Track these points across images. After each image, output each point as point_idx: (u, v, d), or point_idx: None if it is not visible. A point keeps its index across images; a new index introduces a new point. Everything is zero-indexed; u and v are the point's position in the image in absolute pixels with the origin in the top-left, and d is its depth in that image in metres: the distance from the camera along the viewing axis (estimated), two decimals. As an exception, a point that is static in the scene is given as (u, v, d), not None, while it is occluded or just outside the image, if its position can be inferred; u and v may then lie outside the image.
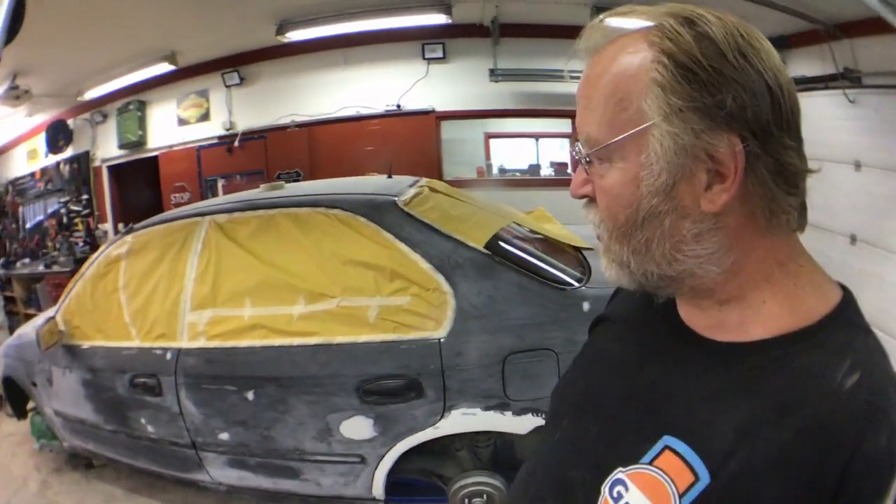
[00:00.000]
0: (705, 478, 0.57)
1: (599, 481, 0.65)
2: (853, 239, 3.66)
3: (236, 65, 5.64)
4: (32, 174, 7.52)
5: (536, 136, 6.64)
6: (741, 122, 0.57)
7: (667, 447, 0.61)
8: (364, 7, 4.45)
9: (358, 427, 2.37)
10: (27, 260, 7.40)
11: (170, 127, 6.27)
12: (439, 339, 2.28)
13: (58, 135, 6.91)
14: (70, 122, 6.90)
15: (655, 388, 0.67)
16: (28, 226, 7.66)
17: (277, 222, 2.58)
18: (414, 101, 5.20)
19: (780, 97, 0.58)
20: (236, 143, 5.73)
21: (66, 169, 7.11)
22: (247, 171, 5.83)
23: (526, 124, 6.06)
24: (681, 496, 0.58)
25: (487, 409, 2.30)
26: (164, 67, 5.65)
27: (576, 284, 2.38)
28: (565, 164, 6.03)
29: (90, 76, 5.94)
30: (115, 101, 6.49)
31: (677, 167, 0.59)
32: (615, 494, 0.63)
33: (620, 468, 0.64)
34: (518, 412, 2.30)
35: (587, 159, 0.66)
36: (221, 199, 3.08)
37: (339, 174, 3.59)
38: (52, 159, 7.11)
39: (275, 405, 2.46)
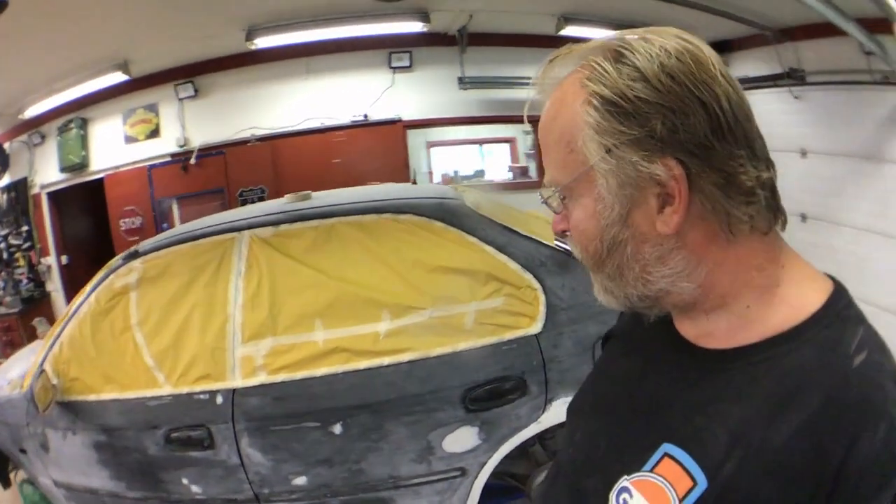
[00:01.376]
0: (703, 483, 0.59)
1: (608, 489, 0.67)
2: (803, 217, 4.11)
3: (190, 75, 5.03)
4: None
5: (480, 143, 6.68)
6: (675, 144, 0.58)
7: (666, 454, 0.63)
8: (338, 13, 4.17)
9: (462, 439, 2.22)
10: (-34, 301, 6.12)
11: (115, 146, 5.46)
12: (536, 335, 2.23)
13: (-7, 160, 5.77)
14: (6, 145, 5.79)
15: (655, 398, 0.69)
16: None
17: (339, 232, 2.28)
18: (380, 111, 4.99)
19: (716, 109, 0.58)
20: (192, 161, 5.08)
21: (2, 198, 5.98)
22: (205, 191, 5.19)
23: (470, 131, 6.04)
24: (681, 501, 0.60)
25: None
26: (117, 77, 4.90)
27: None
28: (525, 168, 6.14)
29: (32, 90, 5.02)
30: (54, 119, 5.55)
31: (626, 198, 0.62)
32: (621, 501, 0.65)
33: (625, 476, 0.66)
34: None
35: (553, 199, 0.69)
36: (248, 211, 2.61)
37: (307, 188, 3.26)
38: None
39: (367, 434, 2.17)
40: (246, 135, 4.97)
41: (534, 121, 0.72)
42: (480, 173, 6.49)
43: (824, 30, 3.50)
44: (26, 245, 5.99)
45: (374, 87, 4.91)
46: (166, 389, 2.25)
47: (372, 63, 4.88)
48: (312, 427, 2.17)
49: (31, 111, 5.38)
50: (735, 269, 0.62)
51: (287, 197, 2.59)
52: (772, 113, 4.22)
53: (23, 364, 2.88)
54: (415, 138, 5.58)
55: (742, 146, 0.60)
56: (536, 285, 2.28)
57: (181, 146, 5.20)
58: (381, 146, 5.00)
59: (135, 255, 2.41)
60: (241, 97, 5.00)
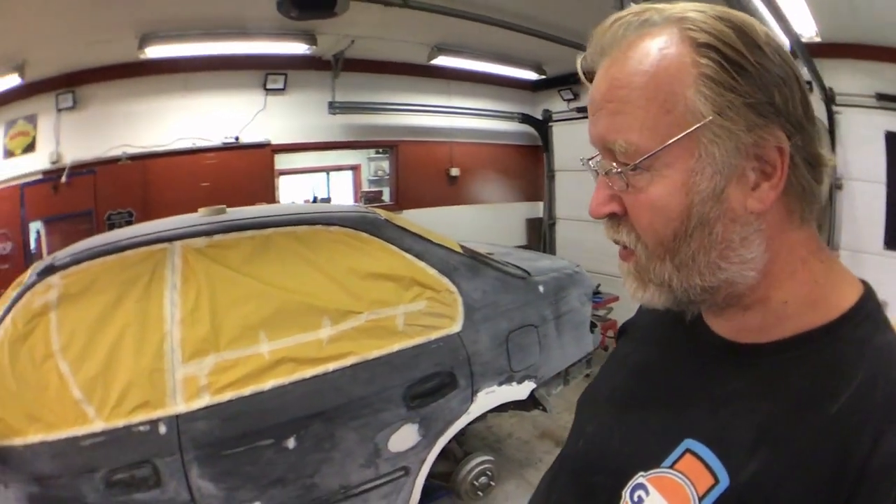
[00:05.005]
0: (725, 480, 0.56)
1: (621, 486, 0.63)
2: None
3: (72, 84, 4.34)
4: None
5: (328, 170, 6.68)
6: (787, 116, 0.55)
7: (688, 450, 0.60)
8: (232, 28, 3.94)
9: (405, 437, 2.31)
10: None
11: None
12: (458, 333, 2.45)
13: None
14: None
15: (678, 392, 0.66)
16: None
17: (276, 242, 2.25)
18: (251, 134, 4.79)
19: (806, 92, 0.57)
20: (63, 179, 4.37)
21: None
22: (73, 213, 4.49)
23: (318, 158, 5.96)
24: (700, 499, 0.57)
25: (501, 384, 2.58)
26: (11, 81, 4.07)
27: (530, 274, 2.88)
28: (379, 192, 6.21)
29: None
30: None
31: (730, 168, 0.55)
32: (636, 499, 0.62)
33: (642, 472, 0.62)
34: (520, 380, 2.67)
35: (621, 171, 0.58)
36: (169, 222, 2.42)
37: (176, 213, 3.12)
38: None
39: (321, 444, 2.15)
40: (118, 152, 4.48)
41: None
42: (326, 200, 6.52)
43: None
44: None
45: (248, 109, 4.75)
46: (99, 425, 1.93)
47: (247, 83, 4.73)
48: (266, 445, 2.08)
49: None
50: (788, 258, 0.59)
51: (201, 211, 2.46)
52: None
53: None
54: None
55: (817, 131, 0.58)
56: (453, 288, 2.51)
57: (54, 162, 4.52)
58: (250, 170, 4.84)
59: (51, 270, 2.07)
60: (118, 111, 4.51)
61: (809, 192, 0.58)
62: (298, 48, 4.40)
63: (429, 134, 5.57)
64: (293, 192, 6.17)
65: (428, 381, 2.35)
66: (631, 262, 0.62)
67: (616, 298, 4.63)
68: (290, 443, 2.10)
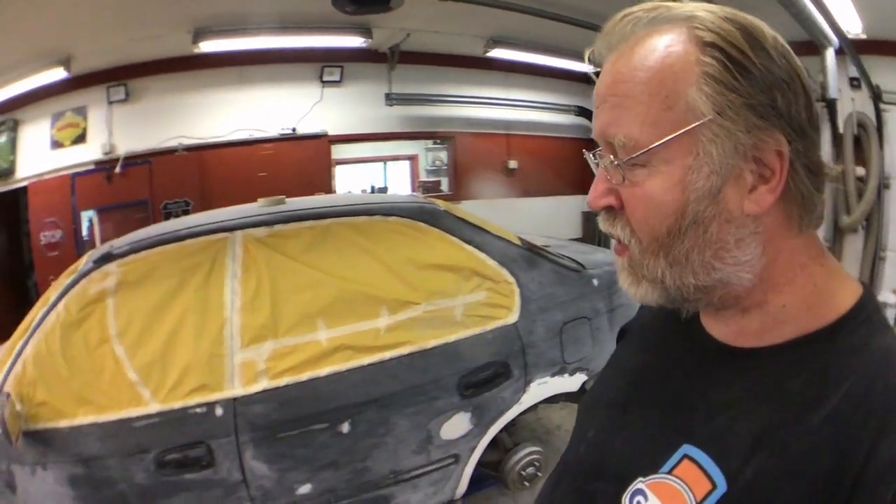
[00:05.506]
0: (722, 485, 0.55)
1: (621, 492, 0.63)
2: None
3: (124, 77, 4.50)
4: None
5: (384, 160, 6.71)
6: (788, 120, 0.55)
7: (686, 456, 0.59)
8: (285, 22, 3.99)
9: (457, 425, 2.31)
10: None
11: (42, 151, 4.73)
12: (515, 324, 2.43)
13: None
14: None
15: (677, 398, 0.65)
16: None
17: (335, 232, 2.25)
18: (308, 125, 4.84)
19: (811, 98, 0.57)
20: (118, 170, 4.54)
21: None
22: (129, 202, 4.67)
23: (374, 148, 6.00)
24: None
25: (553, 375, 2.56)
26: (57, 74, 4.24)
27: (584, 267, 2.80)
28: (437, 182, 6.22)
29: None
30: None
31: (727, 168, 0.55)
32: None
33: (641, 478, 0.62)
34: (572, 372, 2.64)
35: (619, 164, 0.58)
36: (228, 212, 2.44)
37: (233, 203, 3.12)
38: None
39: (374, 430, 2.15)
40: (173, 143, 4.60)
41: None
42: (383, 190, 6.55)
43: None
44: None
45: (303, 101, 4.79)
46: (154, 407, 1.99)
47: (303, 76, 4.76)
48: (320, 429, 2.09)
49: None
50: (787, 263, 0.59)
51: (261, 201, 2.48)
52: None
53: None
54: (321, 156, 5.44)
55: (819, 137, 0.58)
56: (511, 279, 2.49)
57: (107, 153, 4.70)
58: (307, 160, 4.86)
59: (109, 258, 2.12)
60: (172, 104, 4.63)
61: (808, 200, 0.57)
62: (354, 42, 4.43)
63: (486, 126, 5.54)
64: (350, 182, 6.20)
65: (483, 370, 2.33)
66: (625, 257, 0.62)
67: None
68: (345, 427, 2.12)
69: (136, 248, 2.16)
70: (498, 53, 4.85)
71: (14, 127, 4.83)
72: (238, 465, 2.02)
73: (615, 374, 0.80)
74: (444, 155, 6.35)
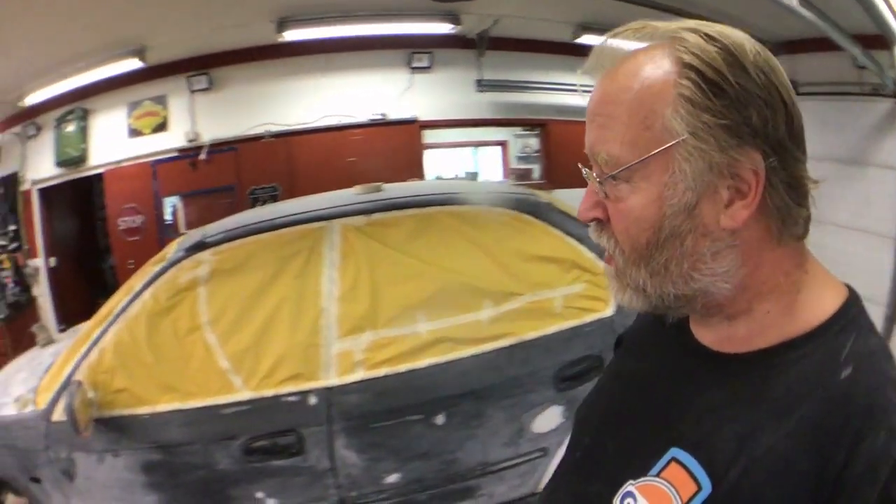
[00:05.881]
0: (707, 487, 0.57)
1: (612, 494, 0.65)
2: None
3: (203, 67, 4.60)
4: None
5: (475, 145, 6.63)
6: (763, 138, 0.56)
7: (673, 459, 0.61)
8: (368, 10, 3.99)
9: (550, 418, 2.23)
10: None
11: (118, 139, 4.90)
12: (611, 317, 2.32)
13: (-23, 155, 4.94)
14: None
15: (667, 403, 0.67)
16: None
17: (439, 221, 2.18)
18: (397, 111, 4.84)
19: (792, 112, 0.58)
20: (203, 156, 4.67)
21: None
22: (214, 188, 4.79)
23: (463, 133, 5.95)
24: None
25: None
26: (132, 64, 4.37)
27: None
28: (529, 170, 6.11)
29: (36, 76, 4.38)
30: (53, 109, 4.87)
31: (702, 185, 0.57)
32: None
33: (631, 481, 0.64)
34: None
35: (603, 180, 0.61)
36: (322, 199, 2.41)
37: (320, 189, 2.96)
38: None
39: (469, 422, 2.10)
40: (260, 130, 4.65)
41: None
42: (473, 175, 6.50)
43: (819, 45, 3.77)
44: (13, 246, 5.23)
45: (393, 87, 4.78)
46: (245, 394, 1.98)
47: (391, 62, 4.74)
48: (415, 420, 2.05)
49: (32, 98, 4.71)
50: (770, 272, 0.60)
51: (357, 188, 2.41)
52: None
53: (25, 377, 2.46)
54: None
55: (802, 151, 0.59)
56: (609, 272, 2.37)
57: (190, 141, 4.78)
58: (397, 146, 4.84)
59: (202, 246, 2.10)
60: (256, 92, 4.70)
61: (787, 213, 0.59)
62: (442, 28, 4.36)
63: (580, 114, 5.36)
64: (439, 167, 6.11)
65: (578, 363, 2.24)
66: (612, 266, 0.65)
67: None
68: (440, 419, 2.07)
69: (230, 237, 2.14)
70: (587, 40, 4.70)
71: (83, 116, 4.97)
72: (328, 453, 2.00)
73: (610, 381, 0.83)
74: (533, 142, 6.22)
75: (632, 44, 0.61)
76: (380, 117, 4.80)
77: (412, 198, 2.24)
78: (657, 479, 0.61)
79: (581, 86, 0.72)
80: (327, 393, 1.99)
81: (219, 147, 4.76)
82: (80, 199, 5.70)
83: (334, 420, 1.98)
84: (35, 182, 5.18)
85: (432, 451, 2.07)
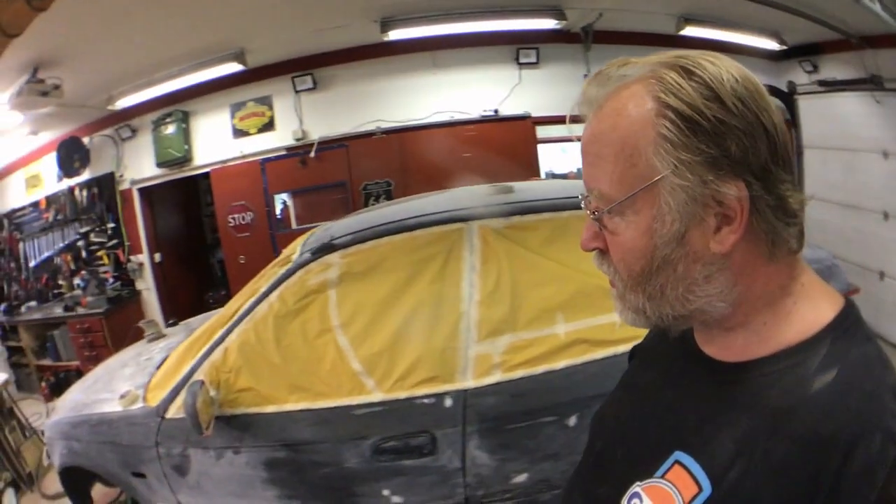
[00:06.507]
0: (707, 489, 0.60)
1: (620, 495, 0.69)
2: (885, 215, 4.12)
3: (305, 68, 4.74)
4: (35, 204, 5.86)
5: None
6: (744, 166, 0.58)
7: (676, 461, 0.65)
8: (472, 7, 4.01)
9: None
10: (33, 303, 5.78)
11: (222, 140, 5.13)
12: None
13: (72, 155, 5.32)
14: (85, 140, 5.39)
15: (672, 409, 0.71)
16: (32, 264, 5.97)
17: (574, 226, 2.11)
18: (508, 106, 4.85)
19: (775, 136, 0.59)
20: (312, 154, 4.80)
21: (82, 195, 5.58)
22: (325, 184, 4.92)
23: (571, 128, 5.86)
24: None
25: None
26: (231, 68, 4.55)
27: None
28: None
29: (126, 80, 4.61)
30: (147, 112, 5.17)
31: (688, 216, 0.60)
32: None
33: (638, 482, 0.67)
34: None
35: (598, 216, 0.65)
36: (455, 198, 2.41)
37: (434, 184, 3.10)
38: (61, 185, 5.60)
39: None
40: (370, 128, 4.73)
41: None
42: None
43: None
44: (111, 243, 5.59)
45: (502, 83, 4.78)
46: (377, 396, 2.00)
47: (499, 58, 4.73)
48: (548, 421, 2.01)
49: (123, 103, 4.95)
50: (764, 287, 0.62)
51: (489, 187, 2.40)
52: (856, 115, 4.32)
53: (132, 372, 2.58)
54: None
55: (788, 171, 0.60)
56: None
57: (298, 139, 4.92)
58: (510, 142, 4.83)
59: (330, 249, 2.11)
60: (362, 90, 4.77)
61: (776, 234, 0.61)
62: (547, 24, 4.31)
63: None
64: (552, 161, 5.98)
65: None
66: (615, 290, 0.70)
67: (857, 290, 3.88)
68: (572, 420, 2.02)
69: (359, 239, 2.13)
70: (691, 32, 4.53)
71: (184, 118, 5.20)
72: (460, 453, 2.01)
73: (623, 391, 0.88)
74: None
75: (616, 81, 0.63)
76: (492, 113, 4.79)
77: (548, 201, 2.20)
78: (661, 480, 0.65)
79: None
80: (463, 395, 1.99)
81: (327, 145, 4.86)
82: (183, 196, 5.98)
83: (469, 422, 1.98)
84: (134, 182, 5.47)
85: (562, 451, 2.04)
